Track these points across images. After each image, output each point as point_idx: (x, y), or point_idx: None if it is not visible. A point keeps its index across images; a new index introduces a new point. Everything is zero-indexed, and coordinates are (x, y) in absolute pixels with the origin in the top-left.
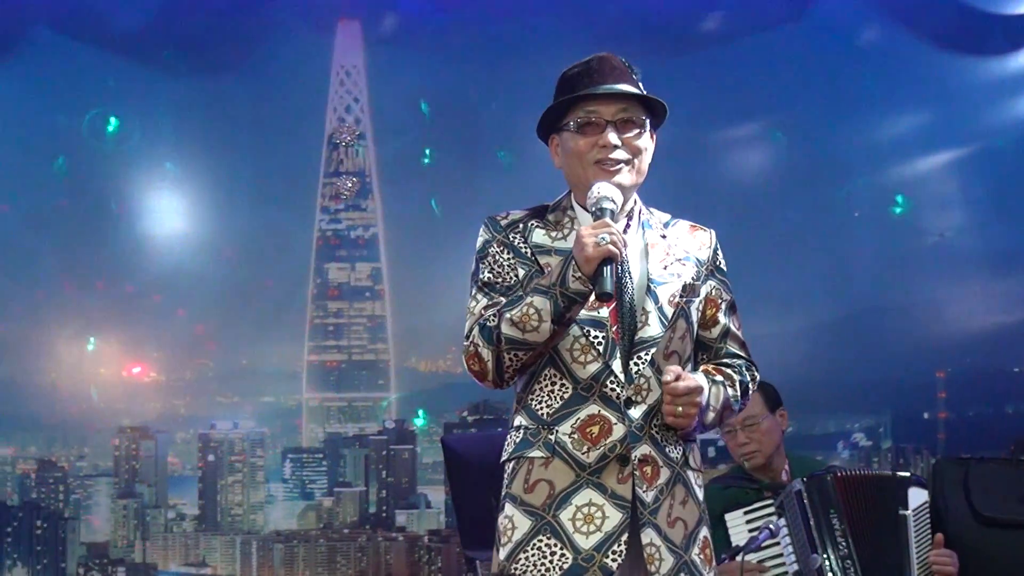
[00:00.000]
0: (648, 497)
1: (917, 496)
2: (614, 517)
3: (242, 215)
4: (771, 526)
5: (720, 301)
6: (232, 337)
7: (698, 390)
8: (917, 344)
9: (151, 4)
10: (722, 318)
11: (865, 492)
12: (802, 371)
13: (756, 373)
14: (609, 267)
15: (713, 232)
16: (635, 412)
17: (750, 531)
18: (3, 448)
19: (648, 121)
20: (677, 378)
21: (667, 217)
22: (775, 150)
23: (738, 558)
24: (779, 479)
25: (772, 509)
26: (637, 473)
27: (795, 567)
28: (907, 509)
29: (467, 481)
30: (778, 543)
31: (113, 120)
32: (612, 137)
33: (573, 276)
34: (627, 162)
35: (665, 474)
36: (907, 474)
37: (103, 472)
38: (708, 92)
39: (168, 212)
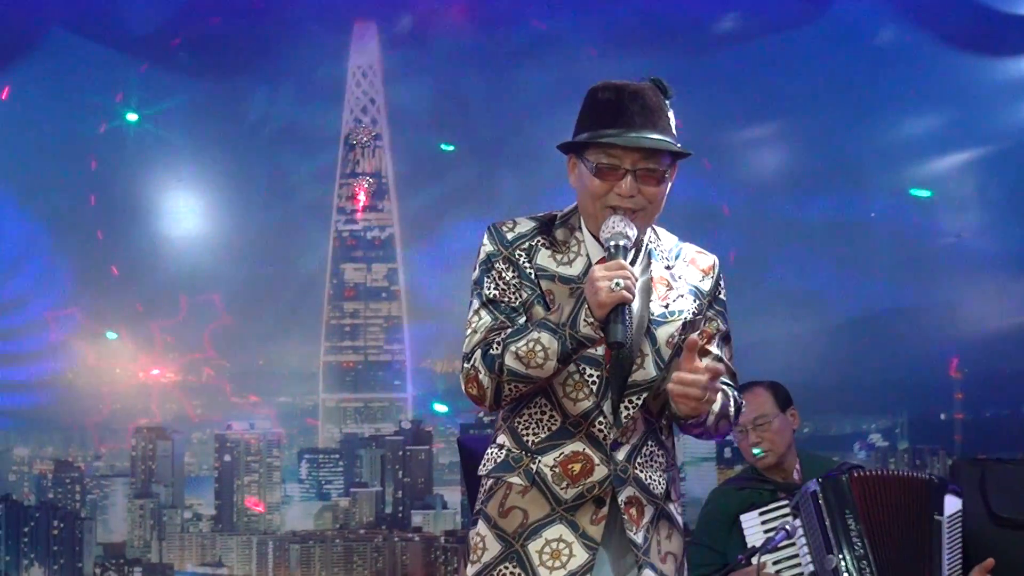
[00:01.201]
0: (639, 538)
1: (951, 504)
2: (580, 556)
3: (258, 216)
4: (787, 527)
5: (714, 332)
6: (248, 338)
7: (721, 373)
8: (934, 345)
9: (167, 5)
10: (714, 349)
11: (886, 493)
12: (817, 372)
13: (743, 404)
14: (621, 314)
15: (716, 260)
16: (620, 454)
17: (765, 532)
18: (20, 448)
19: (669, 167)
20: (695, 349)
21: (674, 241)
22: (790, 151)
23: (754, 559)
24: (791, 479)
25: (787, 510)
26: (625, 516)
27: (811, 568)
28: (941, 515)
29: None
30: (794, 544)
31: (133, 114)
32: (629, 187)
33: (585, 320)
34: (641, 210)
35: (649, 512)
36: (943, 478)
37: (120, 472)
38: (722, 93)
39: (185, 212)
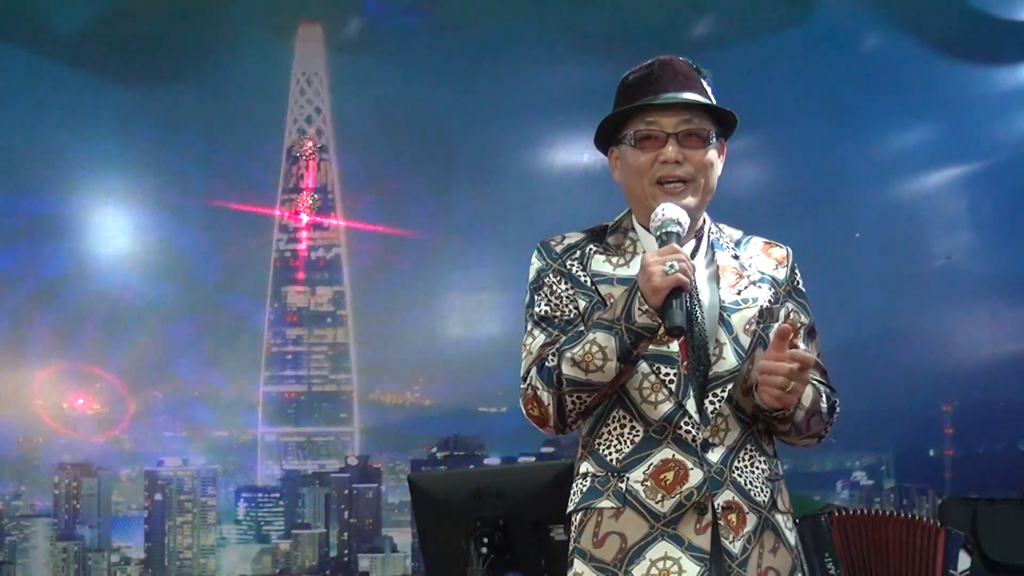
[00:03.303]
0: (735, 548)
1: (964, 560)
2: (691, 571)
3: (193, 234)
4: None
5: (799, 325)
6: (181, 366)
7: (811, 363)
8: (922, 376)
9: (94, 4)
10: (801, 344)
11: (872, 535)
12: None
13: (839, 400)
14: (679, 298)
15: (790, 250)
16: (713, 455)
17: None
18: None
19: (715, 132)
20: (787, 337)
21: (739, 234)
22: (768, 166)
23: None
24: None
25: None
26: (722, 522)
27: None
28: (955, 570)
29: (436, 523)
30: None
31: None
32: (673, 151)
33: (640, 309)
34: (691, 180)
35: (752, 520)
36: (958, 532)
37: (41, 512)
38: None
39: (113, 230)
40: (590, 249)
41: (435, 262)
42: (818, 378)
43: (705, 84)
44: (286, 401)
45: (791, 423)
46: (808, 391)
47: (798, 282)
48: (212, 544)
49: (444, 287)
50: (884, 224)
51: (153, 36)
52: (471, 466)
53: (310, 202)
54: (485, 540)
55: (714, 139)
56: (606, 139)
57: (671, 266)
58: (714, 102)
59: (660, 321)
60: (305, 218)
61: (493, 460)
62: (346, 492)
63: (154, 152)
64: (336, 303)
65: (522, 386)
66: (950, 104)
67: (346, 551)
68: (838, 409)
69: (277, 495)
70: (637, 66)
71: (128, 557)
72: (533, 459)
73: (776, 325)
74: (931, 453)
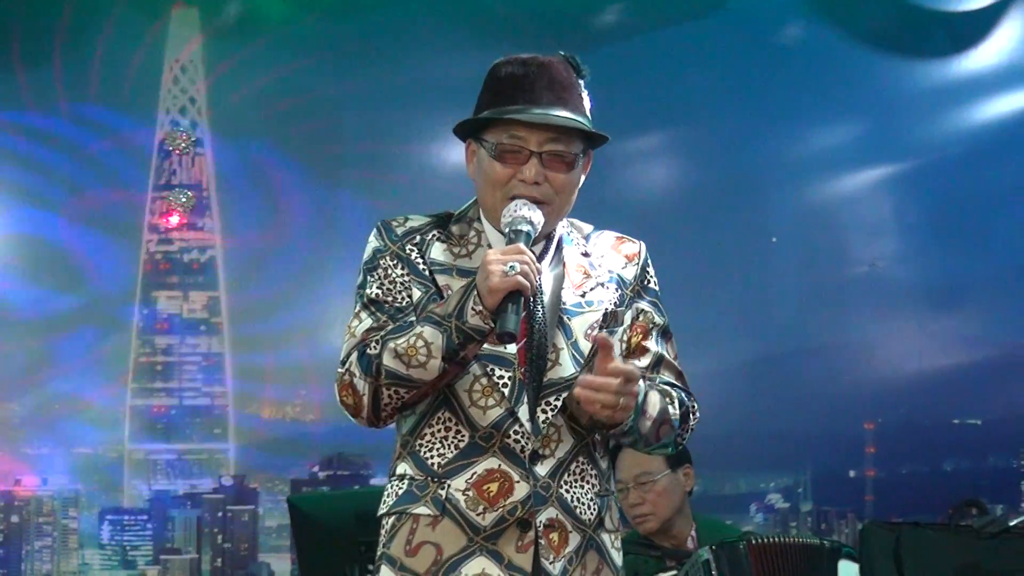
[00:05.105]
0: (555, 569)
1: (847, 570)
2: None
3: (56, 233)
4: None
5: (650, 326)
6: (42, 377)
7: (636, 376)
8: (843, 391)
9: None
10: (652, 346)
11: (785, 562)
12: (710, 421)
13: (696, 406)
14: (516, 303)
15: (642, 245)
16: (541, 468)
17: None
18: None
19: (581, 152)
20: (609, 349)
21: (589, 228)
22: (680, 165)
23: None
24: (684, 546)
25: None
26: (543, 541)
27: None
28: None
29: (318, 548)
30: None
31: None
32: (534, 172)
33: (473, 309)
34: (547, 202)
35: (575, 540)
36: (835, 541)
37: None
38: (605, 96)
39: None
40: (432, 235)
41: (319, 265)
42: (672, 380)
43: (582, 88)
44: (155, 415)
45: (636, 435)
46: (655, 399)
47: (649, 280)
48: (73, 570)
49: (328, 292)
50: (803, 228)
51: (15, 17)
52: (356, 486)
53: (183, 200)
54: (370, 566)
55: (580, 161)
56: (466, 129)
57: (512, 267)
58: (588, 114)
59: (492, 324)
60: (177, 218)
61: (380, 480)
62: (220, 514)
63: (16, 142)
64: (211, 310)
65: (339, 370)
66: (875, 100)
67: None
68: (696, 416)
69: (144, 518)
70: (513, 57)
71: None
72: None
73: (619, 330)
74: (851, 474)
